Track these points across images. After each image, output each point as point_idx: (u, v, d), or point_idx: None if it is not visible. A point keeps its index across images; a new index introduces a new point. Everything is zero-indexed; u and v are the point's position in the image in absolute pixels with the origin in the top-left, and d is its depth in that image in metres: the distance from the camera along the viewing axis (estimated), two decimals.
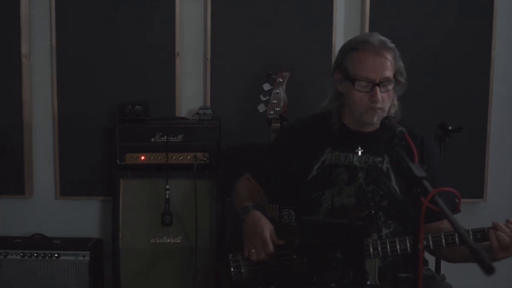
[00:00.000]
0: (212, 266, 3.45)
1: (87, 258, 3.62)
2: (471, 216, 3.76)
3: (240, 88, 3.83)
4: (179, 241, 3.51)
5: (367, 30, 3.82)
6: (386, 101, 2.50)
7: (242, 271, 2.59)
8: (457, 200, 1.74)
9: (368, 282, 1.91)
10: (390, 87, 2.49)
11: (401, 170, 2.59)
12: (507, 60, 3.98)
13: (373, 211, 2.47)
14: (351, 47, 2.56)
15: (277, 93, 3.38)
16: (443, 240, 2.37)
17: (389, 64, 2.47)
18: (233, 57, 3.83)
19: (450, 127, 3.37)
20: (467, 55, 3.88)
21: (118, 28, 3.81)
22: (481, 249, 1.43)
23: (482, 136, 3.97)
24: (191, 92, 3.90)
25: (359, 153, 2.64)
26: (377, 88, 2.46)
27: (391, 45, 2.53)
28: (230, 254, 2.62)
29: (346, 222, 1.85)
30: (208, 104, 3.85)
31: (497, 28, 3.88)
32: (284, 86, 3.40)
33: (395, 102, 2.58)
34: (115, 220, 3.52)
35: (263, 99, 3.42)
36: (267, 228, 2.52)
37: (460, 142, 3.75)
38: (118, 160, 3.53)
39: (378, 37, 2.53)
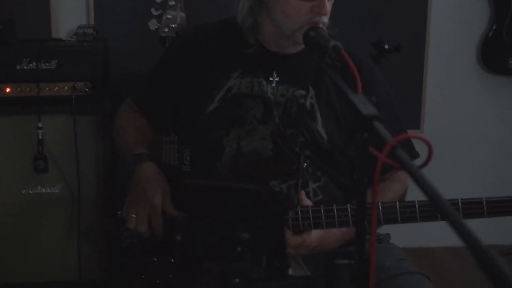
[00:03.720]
0: (100, 222, 2.97)
1: None
2: None
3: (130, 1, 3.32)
4: (57, 191, 3.02)
5: None
6: (329, 14, 1.87)
7: (135, 234, 1.94)
8: (427, 152, 1.11)
9: (290, 272, 1.28)
10: None
11: (332, 107, 1.98)
12: None
13: (305, 164, 1.86)
14: None
15: (173, 5, 2.82)
16: (399, 215, 1.77)
17: None
18: None
19: (386, 46, 2.84)
20: None
21: None
22: (494, 254, 0.81)
23: (419, 58, 3.59)
24: (70, 7, 3.35)
25: (274, 81, 1.98)
26: None
27: None
28: (120, 212, 1.96)
29: (253, 188, 1.22)
30: (92, 22, 3.29)
31: None
32: None
33: None
34: None
35: (155, 13, 2.90)
36: (160, 191, 1.86)
37: (397, 64, 3.26)
38: None
39: None
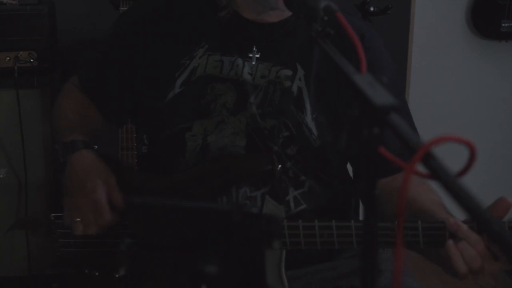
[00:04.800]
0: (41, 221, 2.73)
1: None
2: None
3: None
4: (1, 176, 2.83)
5: None
6: None
7: (73, 242, 1.61)
8: (469, 155, 0.79)
9: None
10: None
11: (324, 92, 1.60)
12: None
13: (279, 166, 1.53)
14: None
15: None
16: (421, 238, 1.39)
17: None
18: None
19: (372, 8, 2.56)
20: None
21: None
22: None
23: (404, 21, 3.41)
24: None
25: (254, 59, 1.61)
26: None
27: None
28: (53, 215, 1.63)
29: (223, 208, 0.89)
30: None
31: None
32: None
33: None
34: None
35: None
36: (101, 182, 1.53)
37: (380, 28, 2.97)
38: None
39: None
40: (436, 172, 0.76)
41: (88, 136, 1.67)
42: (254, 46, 1.59)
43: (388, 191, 1.37)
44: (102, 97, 1.75)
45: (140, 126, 1.89)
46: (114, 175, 1.58)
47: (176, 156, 1.63)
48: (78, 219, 1.54)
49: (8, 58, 2.70)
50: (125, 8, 2.52)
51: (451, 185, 0.77)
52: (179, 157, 1.63)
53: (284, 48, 1.60)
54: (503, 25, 3.33)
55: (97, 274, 1.56)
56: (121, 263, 1.01)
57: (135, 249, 0.95)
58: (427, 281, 2.99)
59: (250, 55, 1.59)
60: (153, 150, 1.74)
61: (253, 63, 1.59)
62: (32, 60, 2.71)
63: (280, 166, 1.54)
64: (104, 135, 1.84)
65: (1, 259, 2.81)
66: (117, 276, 1.22)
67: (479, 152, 0.81)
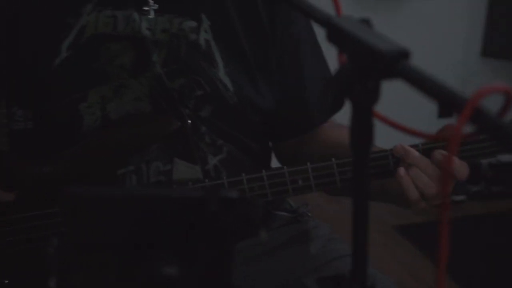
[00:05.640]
0: None
1: None
2: None
3: None
4: None
5: None
6: None
7: None
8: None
9: None
10: None
11: (236, 44, 1.40)
12: None
13: (189, 121, 1.34)
14: None
15: None
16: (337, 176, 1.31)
17: None
18: None
19: None
20: None
21: None
22: None
23: None
24: None
25: (151, 11, 1.39)
26: None
27: None
28: None
29: (194, 195, 0.70)
30: None
31: None
32: None
33: None
34: None
35: None
36: None
37: None
38: None
39: None
40: (487, 125, 0.60)
41: None
42: None
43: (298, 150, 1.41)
44: None
45: (18, 101, 1.61)
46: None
47: (70, 134, 1.38)
48: None
49: None
50: None
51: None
52: (74, 135, 1.37)
53: None
54: None
55: (6, 281, 1.31)
56: (50, 270, 0.80)
57: (67, 251, 0.74)
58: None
59: (146, 8, 1.36)
60: (38, 128, 1.45)
61: (151, 16, 1.37)
62: None
63: (190, 122, 1.35)
64: None
65: None
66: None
67: None
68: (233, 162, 1.41)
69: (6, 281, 1.29)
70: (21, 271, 1.31)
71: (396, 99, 2.11)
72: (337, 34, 0.73)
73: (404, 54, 0.66)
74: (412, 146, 1.27)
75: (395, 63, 0.66)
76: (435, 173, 1.24)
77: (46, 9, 1.37)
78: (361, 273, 0.75)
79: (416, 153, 1.26)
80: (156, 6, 1.37)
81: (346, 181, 1.30)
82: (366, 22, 0.75)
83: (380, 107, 0.72)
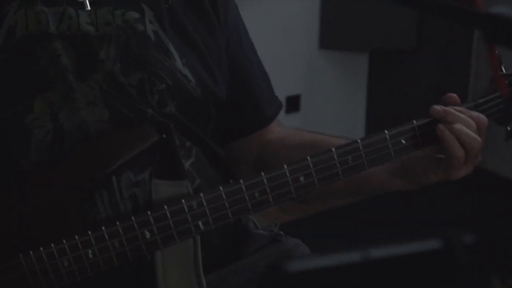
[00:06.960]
0: None
1: None
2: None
3: None
4: None
5: None
6: None
7: None
8: None
9: None
10: None
11: (186, 34, 1.29)
12: None
13: (164, 135, 1.20)
14: None
15: None
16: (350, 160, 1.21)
17: None
18: None
19: None
20: None
21: None
22: None
23: None
24: None
25: (87, 4, 1.23)
26: None
27: None
28: None
29: (431, 247, 0.58)
30: None
31: None
32: None
33: None
34: None
35: None
36: None
37: None
38: None
39: None
40: None
41: None
42: None
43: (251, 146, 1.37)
44: None
45: None
46: None
47: (16, 155, 1.21)
48: None
49: None
50: None
51: None
52: (20, 157, 1.21)
53: None
54: None
55: None
56: None
57: None
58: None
59: (81, 0, 1.22)
60: None
61: (87, 8, 1.23)
62: None
63: (164, 136, 1.20)
64: None
65: None
66: None
67: None
68: (202, 167, 1.31)
69: None
70: None
71: None
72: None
73: None
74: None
75: None
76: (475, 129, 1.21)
77: None
78: None
79: (453, 109, 1.21)
80: None
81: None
82: None
83: None
